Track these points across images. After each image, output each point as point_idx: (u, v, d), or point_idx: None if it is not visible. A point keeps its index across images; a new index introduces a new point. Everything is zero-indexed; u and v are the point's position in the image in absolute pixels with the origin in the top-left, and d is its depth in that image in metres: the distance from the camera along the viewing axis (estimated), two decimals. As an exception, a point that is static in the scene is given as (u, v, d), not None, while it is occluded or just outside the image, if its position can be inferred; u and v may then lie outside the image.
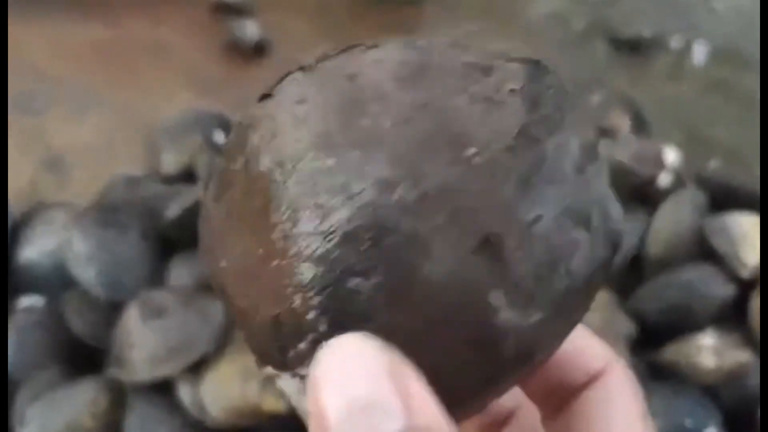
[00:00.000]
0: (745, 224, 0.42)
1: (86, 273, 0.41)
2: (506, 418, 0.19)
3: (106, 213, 0.43)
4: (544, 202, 0.14)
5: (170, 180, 0.50)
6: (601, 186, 0.16)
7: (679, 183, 0.44)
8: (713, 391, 0.39)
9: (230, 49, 0.65)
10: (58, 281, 0.43)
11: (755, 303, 0.40)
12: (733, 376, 0.39)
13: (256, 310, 0.15)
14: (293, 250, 0.14)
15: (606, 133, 0.47)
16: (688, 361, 0.39)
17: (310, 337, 0.14)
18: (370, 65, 0.15)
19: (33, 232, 0.45)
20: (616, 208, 0.16)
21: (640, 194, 0.44)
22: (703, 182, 0.45)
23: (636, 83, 0.67)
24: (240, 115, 0.17)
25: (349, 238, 0.14)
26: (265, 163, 0.15)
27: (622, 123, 0.47)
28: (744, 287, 0.41)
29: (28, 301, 0.42)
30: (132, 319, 0.40)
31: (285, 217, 0.14)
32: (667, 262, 0.42)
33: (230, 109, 0.55)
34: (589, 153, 0.16)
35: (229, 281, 0.16)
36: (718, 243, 0.42)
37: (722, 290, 0.41)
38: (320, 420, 0.12)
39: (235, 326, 0.16)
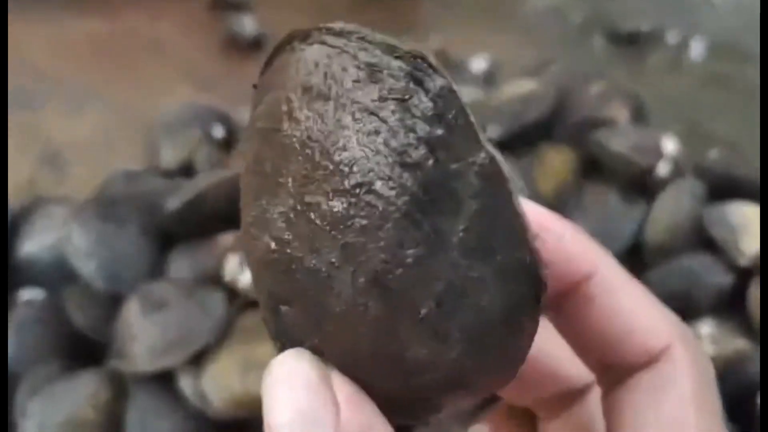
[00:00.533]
0: (744, 213, 0.42)
1: (87, 266, 0.41)
2: (580, 392, 0.18)
3: (105, 207, 0.43)
4: (431, 237, 0.13)
5: (170, 174, 0.50)
6: (509, 212, 0.13)
7: (678, 173, 0.44)
8: (713, 379, 0.39)
9: (228, 44, 0.66)
10: (58, 275, 0.43)
11: (754, 291, 0.40)
12: (732, 364, 0.39)
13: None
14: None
15: (605, 123, 0.47)
16: (688, 350, 0.39)
17: (278, 345, 0.15)
18: (290, 73, 0.14)
19: (33, 227, 0.45)
20: (529, 238, 0.14)
21: (639, 184, 0.44)
22: (702, 172, 0.45)
23: (634, 77, 0.67)
24: None
25: (270, 267, 0.14)
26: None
27: (621, 114, 0.47)
28: (742, 276, 0.41)
29: (29, 295, 0.42)
30: (132, 312, 0.40)
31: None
32: (667, 252, 0.42)
33: (229, 104, 0.56)
34: (489, 174, 0.13)
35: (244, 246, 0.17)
36: (717, 232, 0.42)
37: (721, 279, 0.41)
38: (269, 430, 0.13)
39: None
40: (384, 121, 0.13)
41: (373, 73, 0.13)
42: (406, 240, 0.13)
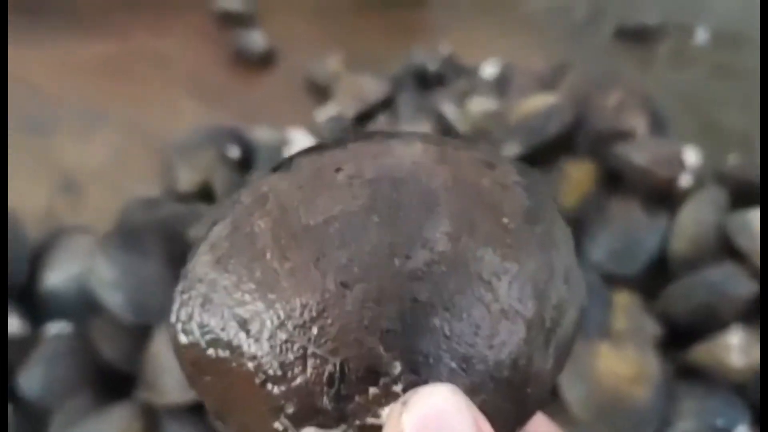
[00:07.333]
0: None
1: (113, 298, 0.41)
2: None
3: (128, 237, 0.43)
4: (562, 255, 0.17)
5: (187, 198, 0.50)
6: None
7: (699, 182, 0.44)
8: (742, 389, 0.39)
9: (237, 59, 0.65)
10: (84, 307, 0.43)
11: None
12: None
13: (295, 370, 0.15)
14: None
15: (624, 134, 0.46)
16: (717, 361, 0.39)
17: (382, 381, 0.14)
18: (402, 148, 0.17)
19: (56, 258, 0.45)
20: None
21: (661, 195, 0.44)
22: (723, 179, 0.45)
23: (644, 72, 0.66)
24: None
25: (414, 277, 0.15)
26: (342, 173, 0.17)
27: (639, 123, 0.47)
28: (768, 283, 0.41)
29: (56, 328, 0.42)
30: (161, 342, 0.40)
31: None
32: (692, 263, 0.42)
33: (241, 121, 0.55)
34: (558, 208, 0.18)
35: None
36: (741, 240, 0.42)
37: (747, 288, 0.41)
38: None
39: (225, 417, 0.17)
40: (513, 191, 0.17)
41: (490, 165, 0.18)
42: (553, 258, 0.17)
